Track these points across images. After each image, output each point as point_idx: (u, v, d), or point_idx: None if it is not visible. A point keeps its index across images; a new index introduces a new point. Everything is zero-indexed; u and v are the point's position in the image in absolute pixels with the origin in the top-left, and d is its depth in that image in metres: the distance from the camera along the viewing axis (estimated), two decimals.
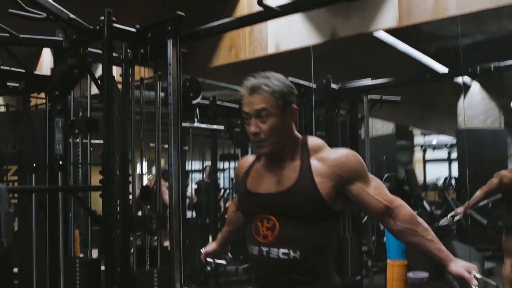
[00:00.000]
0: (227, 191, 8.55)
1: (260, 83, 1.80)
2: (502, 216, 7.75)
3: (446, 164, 13.85)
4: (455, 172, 13.36)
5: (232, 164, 8.04)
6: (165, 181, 6.19)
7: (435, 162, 14.51)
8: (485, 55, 7.26)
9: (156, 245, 4.06)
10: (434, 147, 13.79)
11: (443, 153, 14.10)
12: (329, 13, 4.61)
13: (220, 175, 8.18)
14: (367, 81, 5.98)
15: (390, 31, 6.31)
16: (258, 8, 3.25)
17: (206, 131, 7.10)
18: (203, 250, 2.44)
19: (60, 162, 3.77)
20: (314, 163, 1.81)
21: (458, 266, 1.73)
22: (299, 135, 1.90)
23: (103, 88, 3.77)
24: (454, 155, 13.98)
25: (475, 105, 9.36)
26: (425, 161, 14.04)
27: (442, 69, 8.54)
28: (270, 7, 3.23)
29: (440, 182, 12.89)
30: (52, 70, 4.30)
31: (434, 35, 7.89)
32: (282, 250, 1.75)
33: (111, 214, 3.68)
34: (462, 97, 9.55)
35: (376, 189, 1.82)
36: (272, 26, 4.98)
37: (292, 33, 4.93)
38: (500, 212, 7.80)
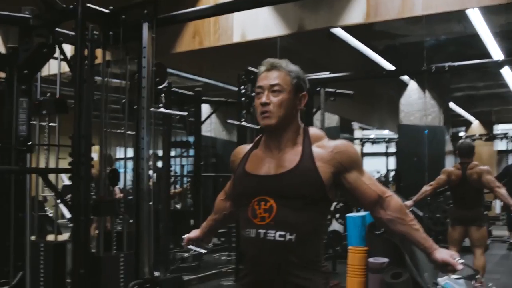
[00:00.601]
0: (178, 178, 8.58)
1: (279, 61, 1.92)
2: (439, 208, 8.23)
3: (383, 158, 14.34)
4: (391, 166, 13.88)
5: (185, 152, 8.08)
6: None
7: (372, 155, 14.99)
8: (436, 55, 7.60)
9: (121, 230, 4.05)
10: (373, 141, 14.23)
11: (380, 147, 14.58)
12: (297, 5, 4.69)
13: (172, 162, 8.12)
14: (324, 74, 6.13)
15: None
16: None
17: (157, 118, 7.04)
18: (185, 236, 2.38)
19: (29, 143, 3.68)
20: (316, 149, 1.88)
21: (443, 253, 1.84)
22: (302, 124, 1.97)
23: (75, 69, 3.71)
24: (391, 149, 14.50)
25: (417, 103, 9.76)
26: (363, 154, 14.49)
27: (388, 66, 8.87)
28: None
29: (377, 175, 13.36)
30: (9, 48, 4.17)
31: (384, 33, 8.17)
32: (279, 232, 1.80)
33: (80, 197, 3.64)
34: (405, 94, 9.94)
35: (370, 180, 1.92)
36: (239, 14, 4.99)
37: (259, 23, 4.97)
38: (437, 205, 8.26)
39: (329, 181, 1.84)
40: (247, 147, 2.07)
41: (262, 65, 1.93)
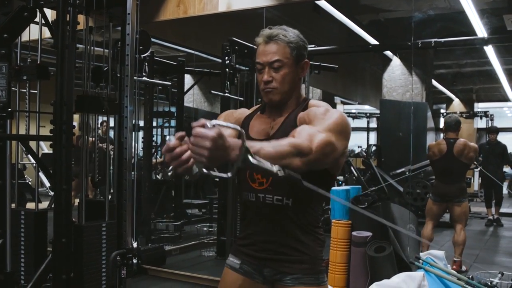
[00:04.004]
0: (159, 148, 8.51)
1: (277, 32, 1.84)
2: (420, 184, 8.33)
3: (364, 133, 14.39)
4: (372, 141, 13.95)
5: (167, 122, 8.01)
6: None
7: (354, 130, 15.03)
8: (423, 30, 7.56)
9: (103, 199, 4.00)
10: (355, 116, 14.25)
11: (362, 122, 14.62)
12: None
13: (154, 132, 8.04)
14: (310, 47, 6.08)
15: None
16: None
17: (139, 87, 6.94)
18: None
19: (9, 109, 3.59)
20: (301, 113, 1.86)
21: None
22: (303, 94, 1.97)
23: (57, 34, 3.62)
24: (372, 124, 14.56)
25: (400, 78, 9.76)
26: None
27: (372, 41, 8.82)
28: None
29: (357, 150, 13.43)
30: None
31: (369, 7, 8.11)
32: (276, 197, 1.82)
33: (62, 165, 3.58)
34: (388, 69, 9.93)
35: (315, 130, 1.64)
36: None
37: None
38: (418, 180, 8.35)
39: None
40: (250, 110, 2.06)
41: (259, 36, 1.87)
